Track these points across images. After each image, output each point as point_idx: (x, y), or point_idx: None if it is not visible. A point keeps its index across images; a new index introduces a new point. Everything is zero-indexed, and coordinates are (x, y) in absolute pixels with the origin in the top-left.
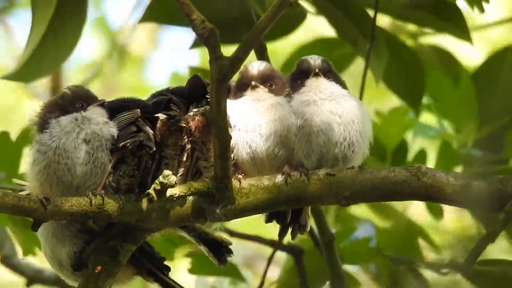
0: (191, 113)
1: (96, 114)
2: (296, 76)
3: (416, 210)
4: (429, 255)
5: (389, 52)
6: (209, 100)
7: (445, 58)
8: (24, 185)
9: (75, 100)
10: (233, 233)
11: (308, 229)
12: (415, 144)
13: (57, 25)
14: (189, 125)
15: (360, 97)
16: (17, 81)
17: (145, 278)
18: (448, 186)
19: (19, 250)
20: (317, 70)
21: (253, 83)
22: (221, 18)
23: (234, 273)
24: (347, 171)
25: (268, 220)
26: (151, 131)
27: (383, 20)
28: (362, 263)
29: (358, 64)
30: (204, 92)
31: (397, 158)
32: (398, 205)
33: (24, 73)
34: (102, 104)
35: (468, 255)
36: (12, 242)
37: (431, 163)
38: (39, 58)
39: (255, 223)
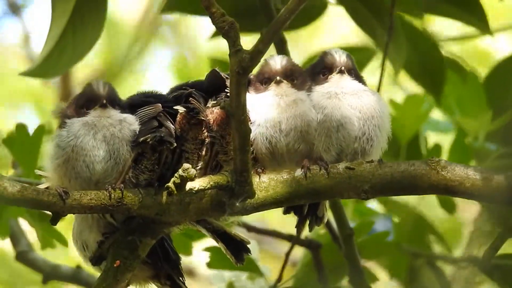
0: (209, 105)
1: (104, 117)
2: (318, 69)
3: (428, 204)
4: (439, 249)
5: (409, 40)
6: (228, 93)
7: (453, 65)
8: (45, 176)
9: (83, 102)
10: (250, 228)
11: (325, 221)
12: (428, 139)
13: (76, 21)
14: (207, 118)
15: (378, 89)
16: (36, 77)
17: (162, 282)
18: (467, 180)
19: (35, 245)
20: (342, 68)
21: (277, 78)
22: (239, 6)
23: (252, 268)
24: (366, 164)
25: (286, 212)
26: (172, 126)
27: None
28: (381, 257)
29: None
30: (223, 85)
31: (412, 151)
32: (409, 198)
33: (43, 69)
34: (105, 105)
35: (487, 249)
36: (28, 238)
37: (444, 157)
38: (59, 54)
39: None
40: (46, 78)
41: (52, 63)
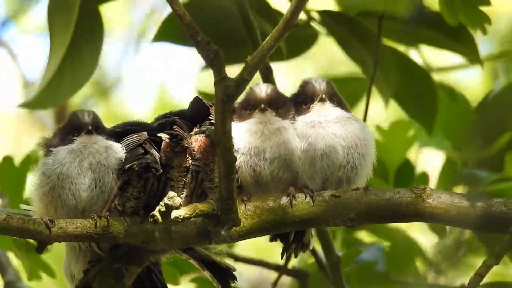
0: (193, 132)
1: (90, 143)
2: (300, 98)
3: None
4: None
5: (400, 71)
6: (212, 121)
7: (450, 93)
8: (30, 210)
9: (68, 130)
10: (238, 258)
11: (311, 247)
12: (419, 159)
13: (74, 51)
14: (191, 145)
15: (365, 116)
16: (34, 109)
17: None
18: (453, 208)
19: (23, 275)
20: (323, 96)
21: (262, 106)
22: (225, 35)
23: None
24: (352, 192)
25: (272, 239)
26: (157, 154)
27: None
28: (369, 286)
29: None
30: (207, 113)
31: (400, 176)
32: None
33: (42, 100)
34: (90, 132)
35: (472, 276)
36: (15, 268)
37: (433, 180)
38: (57, 84)
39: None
40: (45, 109)
41: (51, 94)
